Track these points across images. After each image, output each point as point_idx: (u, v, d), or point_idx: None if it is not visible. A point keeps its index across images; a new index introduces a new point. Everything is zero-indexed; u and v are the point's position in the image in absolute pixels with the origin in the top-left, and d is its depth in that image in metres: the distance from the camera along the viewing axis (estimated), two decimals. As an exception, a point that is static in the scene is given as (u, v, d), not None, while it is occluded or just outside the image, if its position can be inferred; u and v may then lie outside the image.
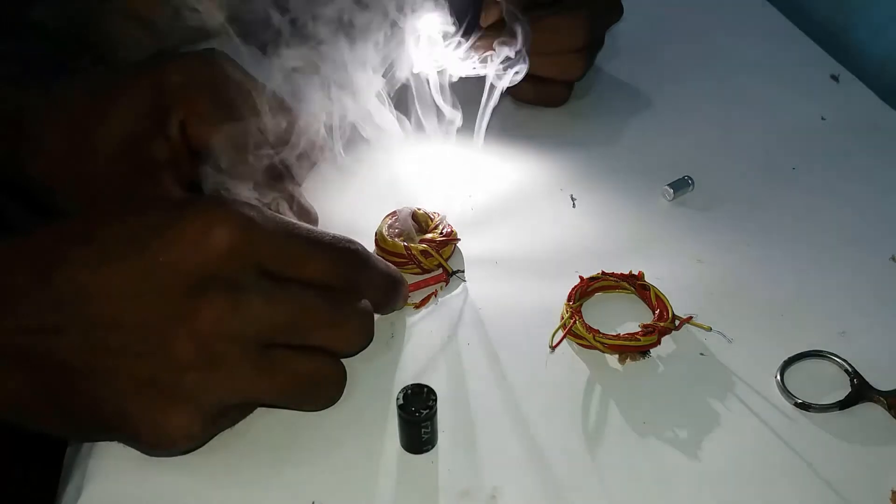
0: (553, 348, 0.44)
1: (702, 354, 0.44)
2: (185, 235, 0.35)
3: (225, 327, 0.35)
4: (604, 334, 0.44)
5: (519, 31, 0.56)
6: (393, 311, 0.45)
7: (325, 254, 0.38)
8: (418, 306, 0.47)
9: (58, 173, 0.45)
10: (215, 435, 0.39)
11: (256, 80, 0.50)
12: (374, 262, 0.41)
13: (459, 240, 0.50)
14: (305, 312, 0.37)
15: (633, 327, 0.45)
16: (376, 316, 0.45)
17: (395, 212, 0.51)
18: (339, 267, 0.39)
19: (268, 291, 0.36)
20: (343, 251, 0.39)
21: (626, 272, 0.47)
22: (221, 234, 0.35)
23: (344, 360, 0.41)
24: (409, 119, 0.53)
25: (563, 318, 0.45)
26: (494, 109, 0.63)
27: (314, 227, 0.39)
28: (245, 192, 0.47)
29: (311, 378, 0.38)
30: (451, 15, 0.56)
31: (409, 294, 0.47)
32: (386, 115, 0.56)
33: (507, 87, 0.61)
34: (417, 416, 0.38)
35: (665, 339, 0.45)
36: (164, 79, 0.46)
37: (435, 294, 0.47)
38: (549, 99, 0.62)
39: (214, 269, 0.35)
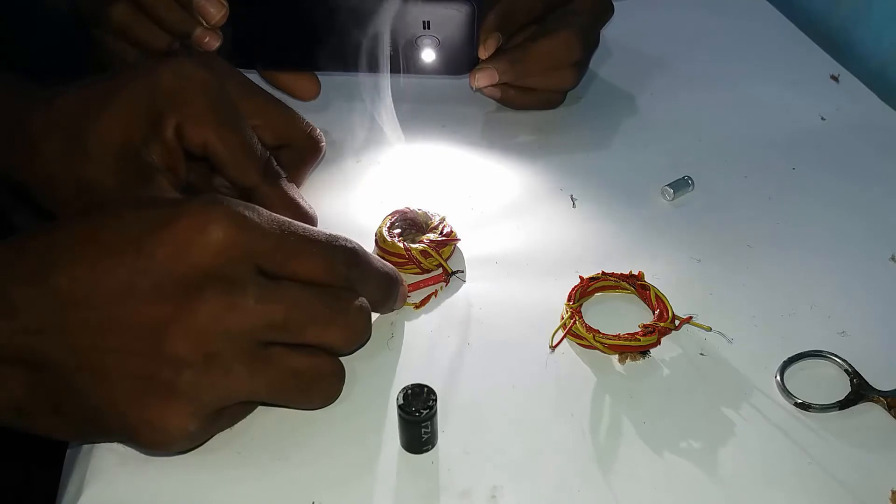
0: (553, 348, 0.44)
1: (702, 354, 0.44)
2: (181, 234, 0.35)
3: (221, 325, 0.35)
4: (604, 334, 0.44)
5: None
6: (391, 310, 0.45)
7: (321, 252, 0.38)
8: (418, 306, 0.47)
9: (54, 178, 0.45)
10: (215, 434, 0.39)
11: (252, 83, 0.51)
12: (370, 261, 0.41)
13: (459, 240, 0.50)
14: (301, 310, 0.37)
15: (633, 327, 0.45)
16: (376, 316, 0.45)
17: (395, 212, 0.51)
18: (336, 265, 0.39)
19: (264, 289, 0.36)
20: (339, 249, 0.39)
21: (626, 272, 0.47)
22: (217, 232, 0.35)
23: (344, 361, 0.41)
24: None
25: (563, 318, 0.45)
26: (494, 111, 0.63)
27: (310, 227, 0.39)
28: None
29: (308, 376, 0.38)
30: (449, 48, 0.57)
31: (409, 294, 0.47)
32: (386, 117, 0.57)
33: (500, 100, 0.61)
34: (417, 416, 0.38)
35: (665, 339, 0.45)
36: (159, 82, 0.46)
37: (435, 294, 0.47)
38: (542, 104, 0.62)
39: (210, 268, 0.35)
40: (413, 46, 0.57)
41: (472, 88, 0.58)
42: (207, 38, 0.55)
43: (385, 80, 0.56)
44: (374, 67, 0.57)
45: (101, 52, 0.58)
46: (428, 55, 0.58)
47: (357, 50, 0.56)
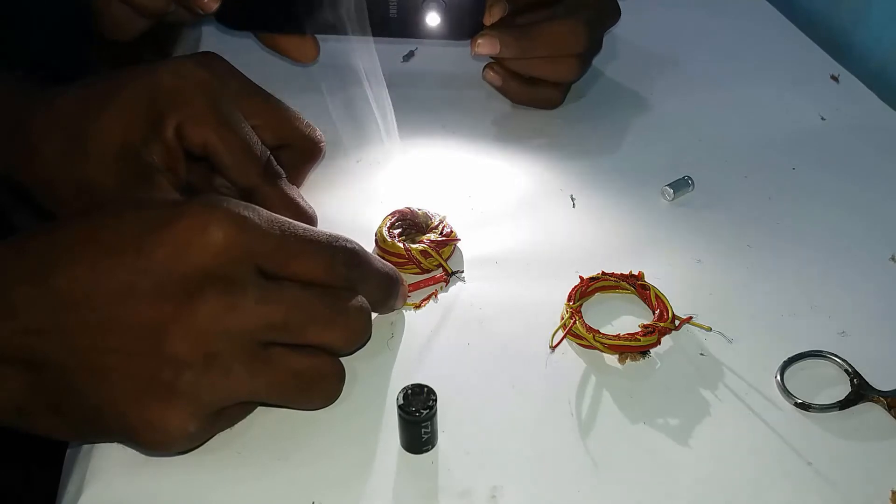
0: (553, 348, 0.44)
1: (702, 354, 0.44)
2: (181, 234, 0.35)
3: (221, 326, 0.35)
4: (604, 334, 0.44)
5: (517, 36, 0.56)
6: (391, 310, 0.45)
7: (321, 252, 0.38)
8: (418, 306, 0.47)
9: (54, 178, 0.45)
10: (215, 434, 0.39)
11: (252, 83, 0.51)
12: (370, 261, 0.41)
13: (459, 240, 0.50)
14: (301, 310, 0.37)
15: (633, 327, 0.45)
16: (376, 316, 0.45)
17: (395, 212, 0.51)
18: (336, 265, 0.39)
19: (264, 290, 0.36)
20: (339, 249, 0.39)
21: (626, 272, 0.47)
22: (216, 232, 0.35)
23: (344, 360, 0.41)
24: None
25: (563, 318, 0.45)
26: (495, 111, 0.63)
27: (310, 227, 0.39)
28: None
29: (308, 376, 0.38)
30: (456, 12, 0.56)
31: (409, 294, 0.47)
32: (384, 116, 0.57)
33: (500, 89, 0.61)
34: (417, 416, 0.38)
35: (665, 339, 0.45)
36: (158, 82, 0.46)
37: (435, 294, 0.47)
38: (542, 101, 0.62)
39: (210, 268, 0.35)
40: (418, 9, 0.57)
41: (472, 55, 0.58)
42: None
43: (377, 69, 0.56)
44: (377, 30, 0.56)
45: (98, 18, 0.57)
46: (433, 19, 0.57)
47: (359, 12, 0.56)
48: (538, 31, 0.57)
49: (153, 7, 0.56)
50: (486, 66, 0.61)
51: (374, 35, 0.56)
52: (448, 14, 0.57)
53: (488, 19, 0.57)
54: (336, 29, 0.57)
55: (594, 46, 0.61)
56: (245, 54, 0.60)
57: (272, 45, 0.59)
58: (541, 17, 0.58)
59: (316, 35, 0.59)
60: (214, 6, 0.55)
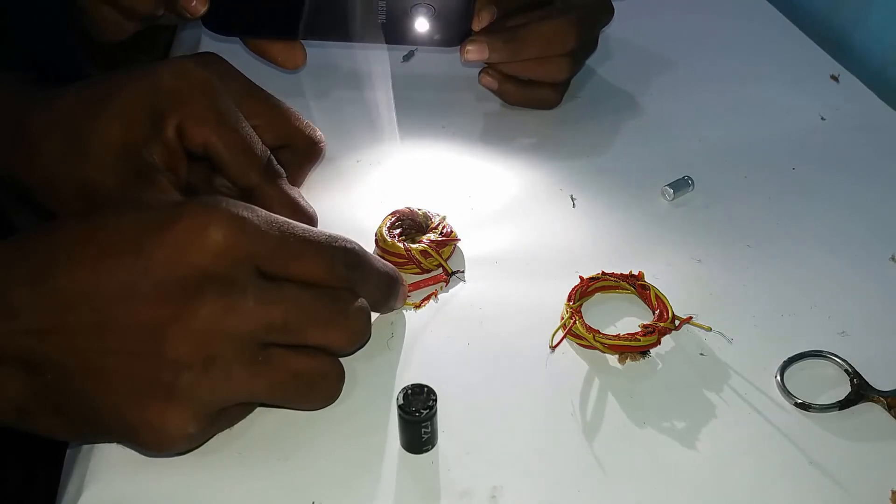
0: (553, 348, 0.44)
1: (702, 354, 0.44)
2: (180, 235, 0.35)
3: (221, 327, 0.35)
4: (604, 334, 0.44)
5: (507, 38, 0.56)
6: (391, 310, 0.45)
7: (321, 252, 0.38)
8: (418, 306, 0.47)
9: (54, 178, 0.45)
10: (214, 434, 0.39)
11: (252, 83, 0.51)
12: (370, 261, 0.41)
13: (459, 240, 0.50)
14: (301, 311, 0.37)
15: (633, 327, 0.45)
16: (376, 316, 0.45)
17: (395, 212, 0.51)
18: (335, 265, 0.39)
19: (263, 291, 0.36)
20: (339, 250, 0.39)
21: (626, 272, 0.47)
22: (216, 233, 0.35)
23: (344, 360, 0.41)
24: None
25: (563, 318, 0.45)
26: (495, 111, 0.63)
27: (310, 227, 0.39)
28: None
29: (308, 376, 0.38)
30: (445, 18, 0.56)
31: (409, 294, 0.47)
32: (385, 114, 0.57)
33: (496, 92, 0.61)
34: (417, 416, 0.38)
35: (665, 339, 0.45)
36: (159, 82, 0.46)
37: (435, 294, 0.47)
38: (539, 101, 0.62)
39: (209, 269, 0.35)
40: (407, 15, 0.57)
41: (462, 62, 0.58)
42: (194, 2, 0.55)
43: (385, 72, 0.56)
44: (365, 36, 0.56)
45: (86, 20, 0.57)
46: (422, 24, 0.57)
47: (347, 18, 0.55)
48: (526, 33, 0.57)
49: (140, 10, 0.56)
50: (481, 71, 0.60)
51: (362, 41, 0.56)
52: (437, 20, 0.57)
53: (477, 24, 0.57)
54: (324, 35, 0.56)
55: (586, 46, 0.61)
56: (245, 54, 0.61)
57: (259, 51, 0.59)
58: (530, 19, 0.58)
59: (304, 41, 0.59)
60: (202, 9, 0.55)
